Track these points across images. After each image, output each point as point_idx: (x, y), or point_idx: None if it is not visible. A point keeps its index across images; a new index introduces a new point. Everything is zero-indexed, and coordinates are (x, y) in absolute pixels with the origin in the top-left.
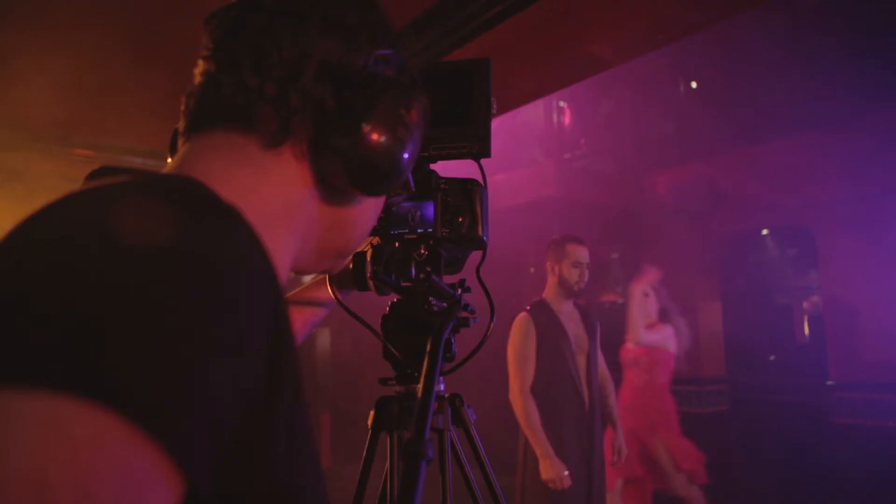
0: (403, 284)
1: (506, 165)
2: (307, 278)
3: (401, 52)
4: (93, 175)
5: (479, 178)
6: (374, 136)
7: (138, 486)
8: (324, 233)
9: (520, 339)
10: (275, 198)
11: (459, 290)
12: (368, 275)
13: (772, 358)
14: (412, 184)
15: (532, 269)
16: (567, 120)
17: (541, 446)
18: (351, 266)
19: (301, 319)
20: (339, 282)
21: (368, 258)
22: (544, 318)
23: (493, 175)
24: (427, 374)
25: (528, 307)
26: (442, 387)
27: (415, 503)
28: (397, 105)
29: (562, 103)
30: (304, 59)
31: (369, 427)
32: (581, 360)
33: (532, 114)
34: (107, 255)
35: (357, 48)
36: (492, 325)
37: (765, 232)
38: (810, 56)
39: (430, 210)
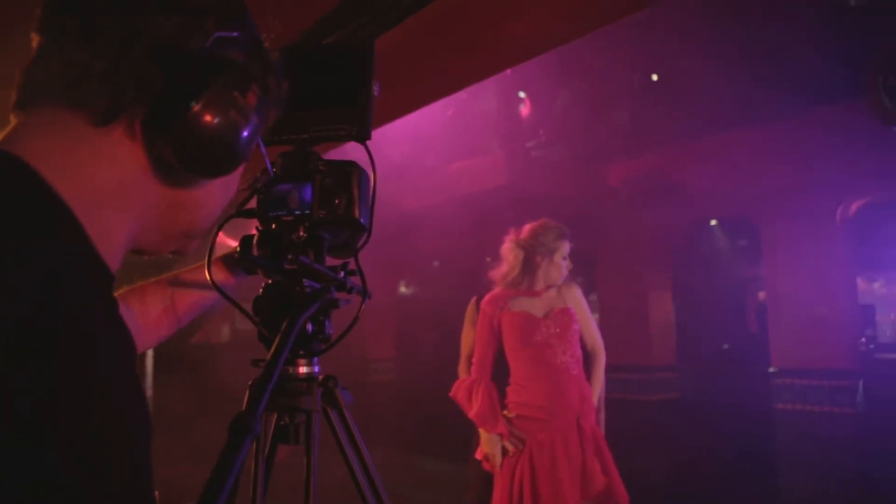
0: (288, 267)
1: (462, 154)
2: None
3: (251, 36)
4: None
5: (371, 160)
6: (205, 119)
7: None
8: (165, 214)
9: None
10: (104, 177)
11: (342, 273)
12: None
13: (725, 347)
14: (270, 169)
15: (488, 259)
16: (525, 110)
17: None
18: (238, 250)
19: (187, 300)
20: (228, 265)
21: (255, 241)
22: None
23: (449, 164)
24: (274, 352)
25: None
26: (316, 368)
27: (230, 476)
28: (230, 87)
29: (521, 94)
30: (135, 37)
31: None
32: None
33: (490, 104)
34: None
35: (197, 29)
36: (363, 307)
37: (713, 223)
38: (755, 49)
39: (308, 192)
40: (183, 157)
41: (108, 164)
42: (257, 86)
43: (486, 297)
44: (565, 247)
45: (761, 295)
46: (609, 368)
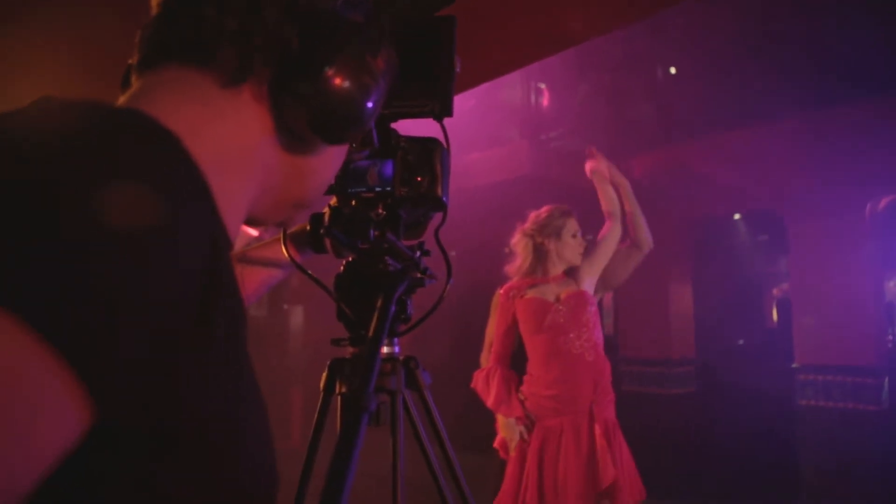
0: (361, 246)
1: (483, 145)
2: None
3: (370, 0)
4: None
5: (446, 137)
6: (338, 81)
7: (33, 397)
8: (282, 181)
9: None
10: (230, 139)
11: (418, 253)
12: (325, 236)
13: (741, 342)
14: (376, 138)
15: (507, 250)
16: (546, 101)
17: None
18: (308, 228)
19: (256, 278)
20: (295, 243)
21: (326, 220)
22: None
23: (469, 154)
24: (375, 329)
25: None
26: (397, 349)
27: (353, 456)
28: (364, 51)
29: (541, 85)
30: None
31: (321, 389)
32: None
33: (511, 94)
34: (20, 160)
35: None
36: (448, 287)
37: (737, 217)
38: (784, 41)
39: (388, 168)
40: (312, 121)
41: (234, 127)
42: (385, 51)
43: (503, 288)
44: (571, 223)
45: (785, 289)
46: (628, 361)
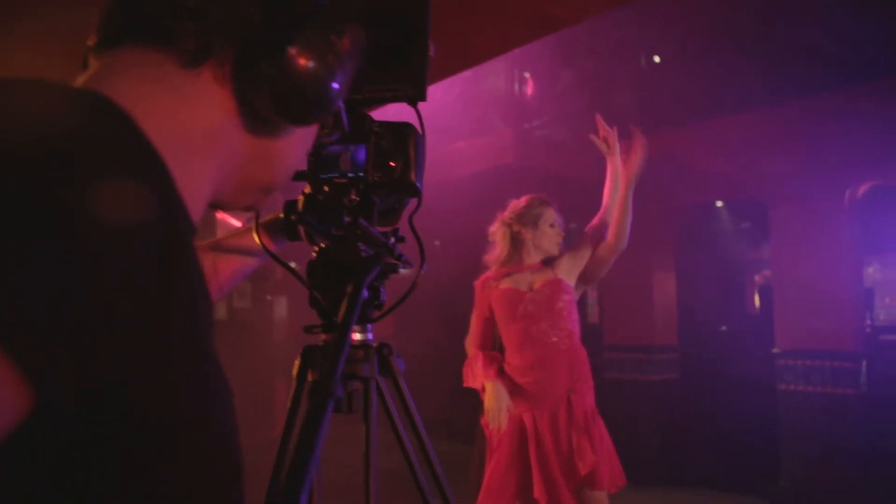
0: (335, 232)
1: (467, 133)
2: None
3: None
4: None
5: (421, 123)
6: (301, 61)
7: None
8: (247, 164)
9: None
10: (193, 122)
11: (392, 239)
12: (298, 223)
13: (723, 328)
14: (346, 122)
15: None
16: (530, 90)
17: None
18: (282, 215)
19: (230, 266)
20: (270, 231)
21: (300, 207)
22: None
23: (453, 143)
24: (345, 315)
25: None
26: (370, 336)
27: (317, 442)
28: (328, 30)
29: (525, 73)
30: None
31: (294, 377)
32: None
33: (495, 83)
34: None
35: None
36: (421, 273)
37: (720, 204)
38: (765, 30)
39: (361, 153)
40: (276, 101)
41: (197, 109)
42: (351, 31)
43: (479, 280)
44: (549, 213)
45: (767, 276)
46: (611, 348)
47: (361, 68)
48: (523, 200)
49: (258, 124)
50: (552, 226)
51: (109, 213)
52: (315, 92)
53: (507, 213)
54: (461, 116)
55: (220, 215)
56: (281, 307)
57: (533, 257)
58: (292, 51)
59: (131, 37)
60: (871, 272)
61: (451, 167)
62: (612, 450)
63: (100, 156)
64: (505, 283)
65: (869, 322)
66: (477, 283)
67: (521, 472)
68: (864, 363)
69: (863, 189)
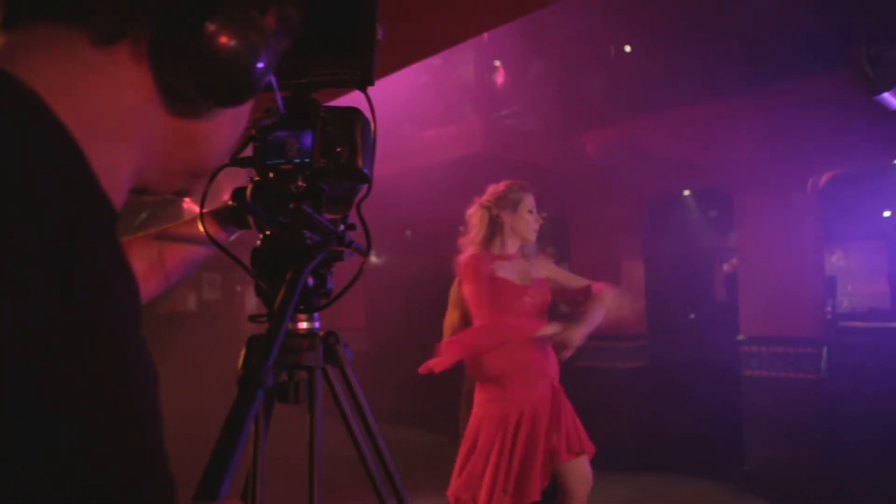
0: (283, 220)
1: (436, 122)
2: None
3: None
4: None
5: (369, 108)
6: (221, 39)
7: None
8: (172, 147)
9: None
10: (108, 103)
11: (342, 226)
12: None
13: (692, 316)
14: (281, 104)
15: (461, 227)
16: (500, 79)
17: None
18: (230, 203)
19: (176, 255)
20: (220, 220)
21: (248, 194)
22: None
23: (423, 131)
24: (281, 302)
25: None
26: (317, 324)
27: (242, 432)
28: (250, 6)
29: (496, 62)
30: None
31: (239, 367)
32: None
33: (465, 71)
34: None
35: None
36: (366, 261)
37: (686, 193)
38: (731, 21)
39: (308, 139)
40: (196, 81)
41: (112, 90)
42: (275, 7)
43: (468, 257)
44: (528, 199)
45: (732, 265)
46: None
47: (309, 52)
48: (503, 185)
49: (180, 105)
50: (531, 212)
51: (3, 197)
52: (236, 71)
53: (486, 197)
54: (430, 104)
55: (187, 204)
56: (251, 298)
57: (513, 242)
58: (211, 27)
59: (41, 13)
60: (836, 260)
61: (420, 155)
62: (576, 420)
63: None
64: (502, 272)
65: (830, 309)
66: (467, 259)
67: (495, 464)
68: (825, 349)
69: (825, 178)
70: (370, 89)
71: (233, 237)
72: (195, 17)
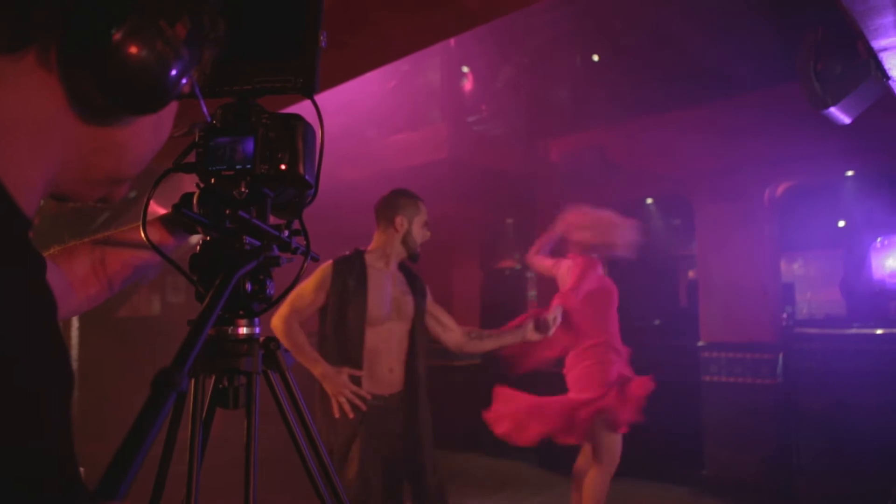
0: (229, 226)
1: (402, 127)
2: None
3: None
4: None
5: (318, 115)
6: (129, 48)
7: None
8: (89, 156)
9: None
10: (15, 110)
11: (286, 232)
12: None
13: (657, 322)
14: (206, 112)
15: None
16: (468, 85)
17: (311, 360)
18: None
19: (117, 261)
20: (168, 225)
21: (195, 199)
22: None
23: (389, 136)
24: (206, 306)
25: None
26: (257, 329)
27: (149, 435)
28: (156, 16)
29: (465, 68)
30: None
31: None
32: (398, 328)
33: (433, 77)
34: None
35: None
36: (305, 265)
37: (649, 201)
38: (694, 34)
39: (249, 146)
40: (103, 90)
41: (17, 97)
42: (188, 17)
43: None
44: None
45: (693, 272)
46: None
47: (252, 59)
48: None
49: (93, 113)
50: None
51: None
52: (143, 80)
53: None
54: (397, 110)
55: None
56: None
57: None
58: (116, 36)
59: None
60: (797, 268)
61: (386, 160)
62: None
63: None
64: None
65: (786, 315)
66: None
67: None
68: (781, 354)
69: (781, 188)
70: (333, 94)
71: (182, 242)
72: (101, 26)
